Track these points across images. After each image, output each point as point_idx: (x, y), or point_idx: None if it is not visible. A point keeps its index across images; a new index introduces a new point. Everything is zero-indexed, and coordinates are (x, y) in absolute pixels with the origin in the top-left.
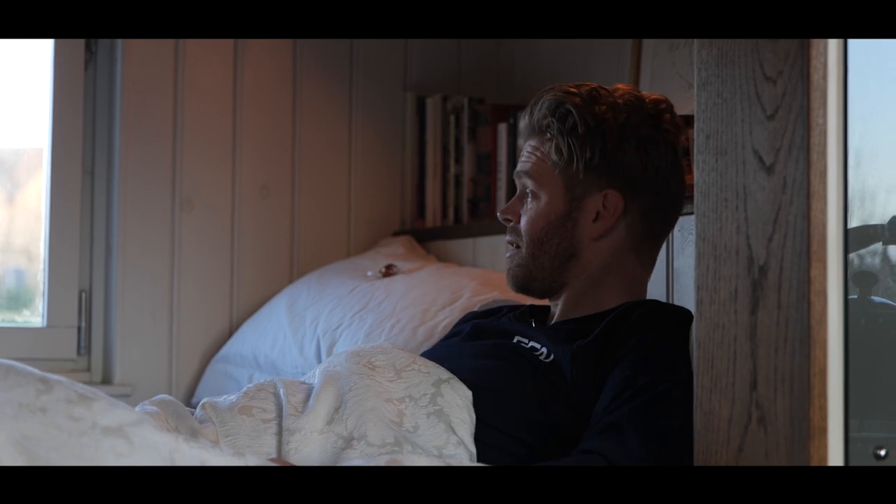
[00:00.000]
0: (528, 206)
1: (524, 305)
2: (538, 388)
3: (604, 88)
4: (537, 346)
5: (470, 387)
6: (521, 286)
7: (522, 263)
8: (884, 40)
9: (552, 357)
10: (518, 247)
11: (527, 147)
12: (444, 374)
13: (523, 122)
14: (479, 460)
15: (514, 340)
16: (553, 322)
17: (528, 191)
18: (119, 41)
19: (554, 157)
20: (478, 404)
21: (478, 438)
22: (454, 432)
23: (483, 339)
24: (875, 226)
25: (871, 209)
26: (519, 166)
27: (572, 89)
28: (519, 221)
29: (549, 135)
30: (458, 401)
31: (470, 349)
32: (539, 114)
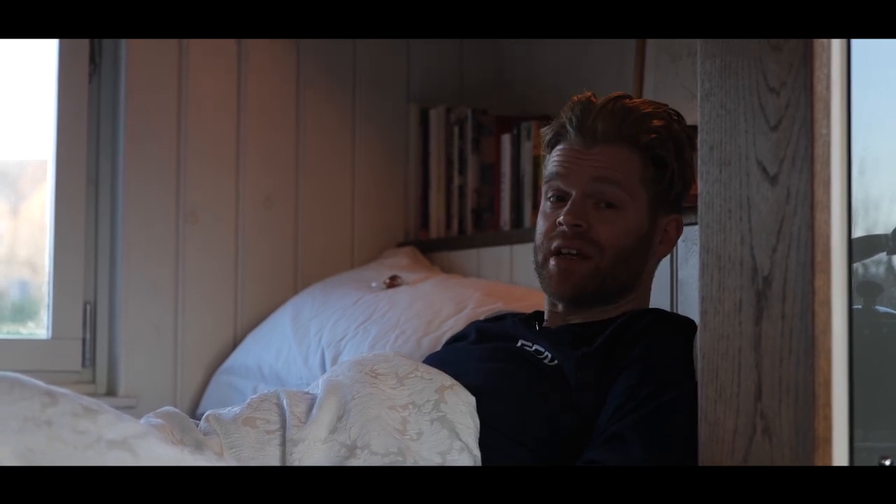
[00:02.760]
0: (609, 217)
1: (527, 312)
2: (542, 392)
3: (674, 110)
4: (541, 349)
5: (475, 390)
6: (587, 298)
7: (594, 274)
8: (885, 49)
9: (556, 361)
10: (587, 257)
11: (600, 152)
12: (446, 380)
13: (604, 125)
14: (483, 464)
15: (518, 344)
16: (556, 326)
17: (606, 198)
18: (122, 53)
19: (649, 174)
20: (482, 408)
21: (482, 443)
22: (458, 437)
23: (487, 342)
24: (879, 235)
25: (875, 218)
26: (598, 172)
27: (669, 109)
28: (588, 229)
29: (658, 152)
30: (462, 406)
31: (475, 352)
32: (638, 125)
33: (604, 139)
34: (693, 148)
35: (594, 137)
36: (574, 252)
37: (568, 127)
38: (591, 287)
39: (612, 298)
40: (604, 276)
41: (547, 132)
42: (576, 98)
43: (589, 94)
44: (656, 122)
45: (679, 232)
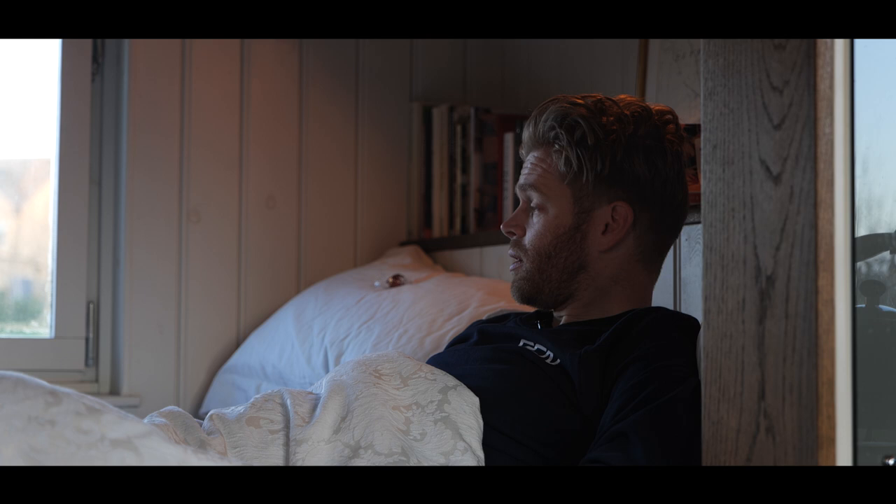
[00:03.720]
0: (535, 220)
1: (530, 312)
2: (545, 392)
3: (609, 99)
4: (543, 349)
5: (478, 392)
6: (528, 298)
7: (527, 277)
8: (890, 48)
9: (558, 361)
10: (521, 260)
11: (530, 159)
12: (450, 380)
13: (527, 134)
14: (487, 465)
15: (521, 344)
16: (557, 325)
17: (532, 204)
18: (125, 52)
19: (562, 168)
20: (486, 409)
21: (486, 444)
22: (462, 438)
23: (489, 343)
24: (883, 234)
25: (879, 217)
26: (523, 179)
27: (578, 100)
28: (523, 235)
29: (557, 146)
30: (466, 407)
31: (477, 353)
32: (545, 125)
33: (530, 146)
34: (626, 130)
35: (525, 146)
36: (515, 258)
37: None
38: (526, 289)
39: (560, 295)
40: (533, 277)
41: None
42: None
43: (556, 97)
44: (561, 117)
45: (626, 217)
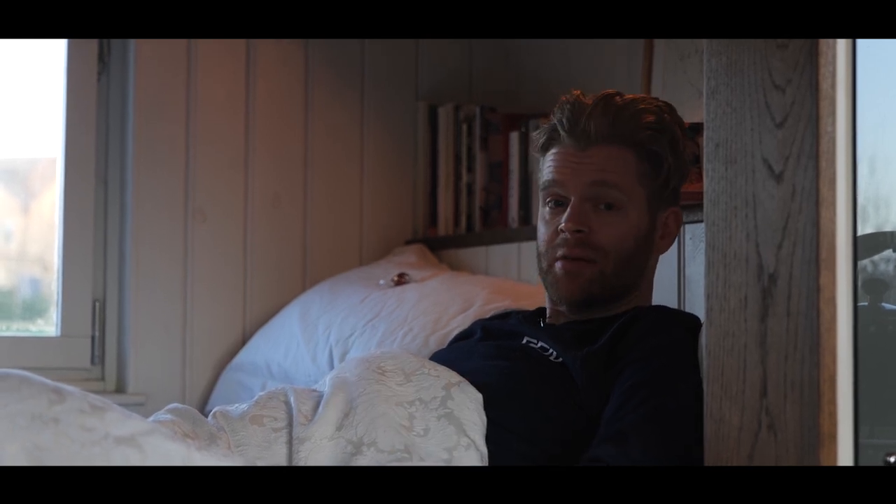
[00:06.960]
0: (610, 219)
1: (531, 309)
2: (548, 389)
3: (666, 103)
4: (546, 346)
5: (481, 388)
6: (590, 302)
7: (600, 279)
8: (894, 49)
9: (561, 359)
10: (590, 261)
11: (590, 154)
12: (453, 377)
13: (595, 124)
14: (490, 462)
15: (524, 341)
16: (561, 322)
17: (603, 202)
18: (131, 51)
19: (645, 170)
20: (489, 406)
21: (490, 440)
22: (465, 434)
23: (493, 340)
24: (886, 233)
25: (886, 215)
26: (595, 175)
27: (657, 101)
28: (591, 234)
29: (650, 147)
30: (469, 403)
31: (481, 350)
32: (630, 122)
33: (597, 139)
34: (685, 137)
35: (587, 139)
36: (582, 260)
37: (560, 130)
38: (596, 290)
39: (617, 299)
40: (608, 280)
41: (539, 135)
42: (564, 98)
43: (577, 92)
44: (648, 118)
45: (679, 224)
